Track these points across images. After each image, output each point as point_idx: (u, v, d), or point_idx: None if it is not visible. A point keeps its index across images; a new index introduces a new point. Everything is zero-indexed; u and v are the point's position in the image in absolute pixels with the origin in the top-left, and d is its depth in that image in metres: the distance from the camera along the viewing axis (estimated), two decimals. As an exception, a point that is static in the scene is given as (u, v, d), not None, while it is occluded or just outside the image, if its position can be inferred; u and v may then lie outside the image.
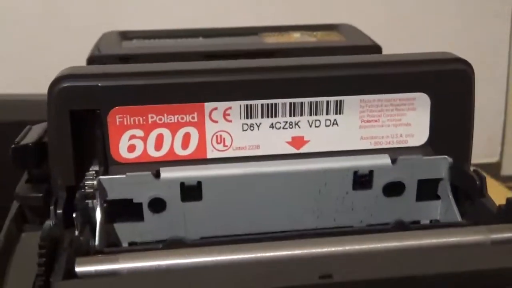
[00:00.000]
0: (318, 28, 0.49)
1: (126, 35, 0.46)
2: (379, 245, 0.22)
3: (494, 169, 0.80)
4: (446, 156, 0.29)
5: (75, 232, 0.25)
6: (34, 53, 0.69)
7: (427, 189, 0.30)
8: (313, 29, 0.49)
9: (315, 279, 0.19)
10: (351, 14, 0.72)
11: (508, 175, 0.82)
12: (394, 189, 0.30)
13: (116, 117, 0.28)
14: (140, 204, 0.28)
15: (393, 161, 0.29)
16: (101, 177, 0.27)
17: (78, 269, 0.20)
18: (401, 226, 0.28)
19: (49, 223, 0.21)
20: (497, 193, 0.30)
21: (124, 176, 0.28)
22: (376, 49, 0.43)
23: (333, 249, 0.22)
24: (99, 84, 0.27)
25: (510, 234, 0.22)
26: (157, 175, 0.28)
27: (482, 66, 0.74)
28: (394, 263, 0.20)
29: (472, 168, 0.30)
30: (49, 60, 0.62)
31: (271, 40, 0.46)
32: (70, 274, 0.20)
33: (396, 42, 0.74)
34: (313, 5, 0.73)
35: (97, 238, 0.26)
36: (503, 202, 0.26)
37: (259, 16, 0.72)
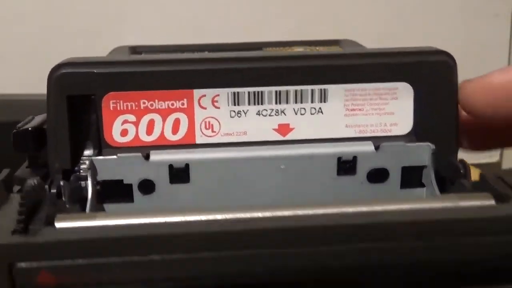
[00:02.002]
0: (321, 43, 0.51)
1: (135, 50, 0.49)
2: (347, 208, 0.22)
3: (494, 169, 0.79)
4: (429, 143, 0.30)
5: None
6: (34, 53, 0.71)
7: (411, 177, 0.31)
8: (316, 44, 0.51)
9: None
10: (351, 13, 0.73)
11: (506, 169, 0.81)
12: (378, 175, 0.30)
13: (110, 102, 0.30)
14: (130, 186, 0.29)
15: (377, 148, 0.30)
16: (93, 158, 0.29)
17: (57, 224, 0.22)
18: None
19: (32, 180, 0.22)
20: None
21: (115, 157, 0.29)
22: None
23: (303, 211, 0.23)
24: (95, 71, 0.29)
25: (479, 201, 0.23)
26: (147, 157, 0.29)
27: (482, 66, 0.74)
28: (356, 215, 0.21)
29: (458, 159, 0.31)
30: (49, 60, 0.64)
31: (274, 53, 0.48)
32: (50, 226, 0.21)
33: (396, 42, 0.76)
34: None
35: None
36: None
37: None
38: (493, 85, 0.29)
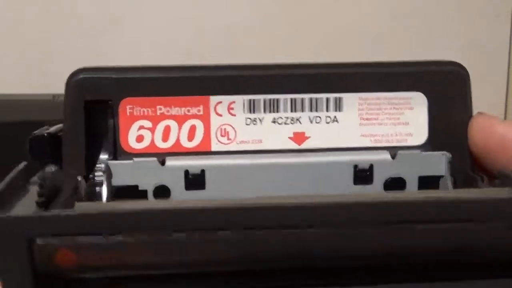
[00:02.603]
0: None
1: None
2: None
3: None
4: (445, 152, 0.30)
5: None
6: (34, 53, 0.71)
7: (428, 186, 0.30)
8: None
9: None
10: (350, 13, 0.73)
11: None
12: (395, 185, 0.30)
13: (127, 107, 0.30)
14: (145, 192, 0.29)
15: (393, 156, 0.30)
16: (109, 161, 0.29)
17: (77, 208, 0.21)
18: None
19: (50, 167, 0.22)
20: None
21: (131, 161, 0.29)
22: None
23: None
24: (113, 76, 0.30)
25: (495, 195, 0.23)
26: (162, 163, 0.29)
27: (482, 66, 0.74)
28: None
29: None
30: (49, 60, 0.63)
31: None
32: None
33: (396, 42, 0.76)
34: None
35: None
36: None
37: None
38: (497, 134, 0.29)
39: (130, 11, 0.74)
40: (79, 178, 0.26)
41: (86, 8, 0.72)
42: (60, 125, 0.32)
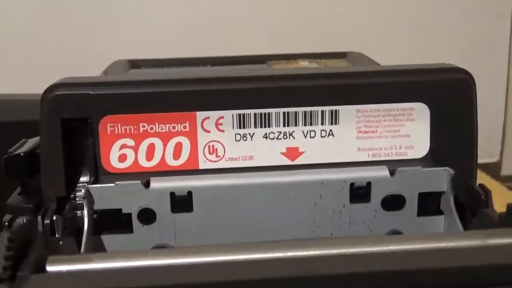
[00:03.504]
0: (326, 56, 0.49)
1: (134, 63, 0.47)
2: (368, 248, 0.21)
3: (494, 169, 0.78)
4: (447, 168, 0.28)
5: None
6: (34, 53, 0.70)
7: (429, 203, 0.29)
8: (321, 57, 0.49)
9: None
10: (349, 13, 0.71)
11: (508, 175, 0.79)
12: (393, 202, 0.28)
13: (107, 125, 0.28)
14: (129, 215, 0.27)
15: (392, 172, 0.28)
16: (89, 185, 0.27)
17: (49, 267, 0.20)
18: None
19: (22, 219, 0.20)
20: (497, 193, 0.29)
21: (113, 185, 0.27)
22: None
23: (320, 251, 0.21)
24: (91, 92, 0.27)
25: (509, 239, 0.21)
26: (146, 184, 0.27)
27: (482, 66, 0.73)
28: (382, 260, 0.19)
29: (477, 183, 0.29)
30: (49, 60, 0.61)
31: (279, 67, 0.46)
32: (40, 271, 0.20)
33: (396, 43, 0.74)
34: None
35: (82, 249, 0.25)
36: (503, 201, 0.24)
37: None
38: None
39: (133, 9, 0.71)
40: (46, 221, 0.24)
41: (86, 8, 0.69)
42: (38, 138, 0.30)
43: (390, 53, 0.54)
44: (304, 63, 0.48)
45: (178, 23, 0.72)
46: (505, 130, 0.80)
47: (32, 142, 0.30)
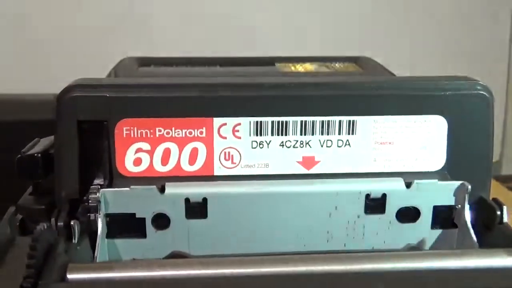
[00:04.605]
0: (336, 59, 0.49)
1: (144, 61, 0.46)
2: (386, 265, 0.21)
3: (494, 169, 0.78)
4: (464, 182, 0.28)
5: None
6: (33, 53, 0.69)
7: (443, 216, 0.29)
8: (331, 61, 0.49)
9: None
10: (349, 14, 0.71)
11: (508, 175, 0.80)
12: (408, 214, 0.28)
13: (123, 129, 0.27)
14: (143, 220, 0.27)
15: (408, 185, 0.28)
16: (104, 189, 0.27)
17: (70, 275, 0.19)
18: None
19: (42, 225, 0.20)
20: (497, 193, 0.29)
21: (128, 189, 0.27)
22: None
23: (338, 267, 0.21)
24: (108, 95, 0.27)
25: None
26: (162, 189, 0.27)
27: (482, 66, 0.73)
28: (402, 281, 0.19)
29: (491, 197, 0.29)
30: (49, 60, 0.61)
31: (288, 70, 0.46)
32: (61, 280, 0.19)
33: (396, 43, 0.74)
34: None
35: (96, 252, 0.25)
36: (503, 202, 0.24)
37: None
38: None
39: (140, 8, 0.70)
40: (59, 223, 0.24)
41: (86, 7, 0.69)
42: (51, 138, 0.30)
43: (390, 52, 0.54)
44: (313, 67, 0.48)
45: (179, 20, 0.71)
46: (505, 130, 0.81)
47: (45, 142, 0.30)
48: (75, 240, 0.23)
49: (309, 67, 0.48)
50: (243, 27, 0.73)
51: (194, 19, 0.72)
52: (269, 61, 0.48)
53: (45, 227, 0.20)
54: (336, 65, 0.48)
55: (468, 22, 0.76)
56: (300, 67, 0.48)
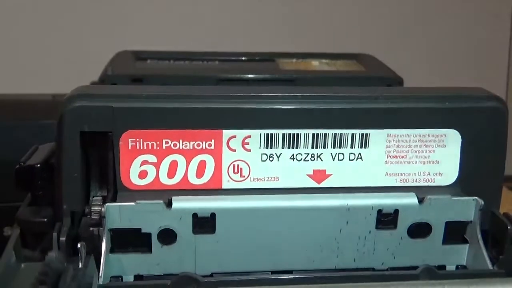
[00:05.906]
0: (337, 56, 0.48)
1: (140, 55, 0.45)
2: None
3: None
4: (476, 198, 0.27)
5: (78, 263, 0.23)
6: (33, 53, 0.68)
7: (455, 232, 0.28)
8: (332, 58, 0.48)
9: None
10: (349, 14, 0.71)
11: (508, 175, 0.81)
12: (420, 230, 0.28)
13: (129, 140, 0.26)
14: (149, 235, 0.26)
15: (420, 200, 0.27)
16: (108, 204, 0.26)
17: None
18: (428, 274, 0.26)
19: (52, 255, 0.19)
20: None
21: (133, 203, 0.26)
22: (397, 80, 0.42)
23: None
24: (113, 105, 0.26)
25: None
26: (168, 204, 0.26)
27: (482, 66, 0.74)
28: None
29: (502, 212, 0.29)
30: (49, 60, 0.60)
31: (288, 67, 0.45)
32: None
33: (396, 43, 0.74)
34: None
35: (101, 270, 0.24)
36: (504, 201, 0.24)
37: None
38: None
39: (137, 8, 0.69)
40: (61, 238, 0.23)
41: (86, 7, 0.67)
42: (52, 145, 0.29)
43: (390, 53, 0.53)
44: (314, 63, 0.47)
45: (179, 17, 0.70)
46: (505, 130, 0.81)
47: (44, 150, 0.29)
48: (81, 263, 0.22)
49: (309, 63, 0.47)
50: (242, 25, 0.72)
51: (194, 19, 0.71)
52: (269, 57, 0.47)
53: (55, 256, 0.19)
54: (337, 62, 0.48)
55: (468, 22, 0.76)
56: (300, 64, 0.47)
